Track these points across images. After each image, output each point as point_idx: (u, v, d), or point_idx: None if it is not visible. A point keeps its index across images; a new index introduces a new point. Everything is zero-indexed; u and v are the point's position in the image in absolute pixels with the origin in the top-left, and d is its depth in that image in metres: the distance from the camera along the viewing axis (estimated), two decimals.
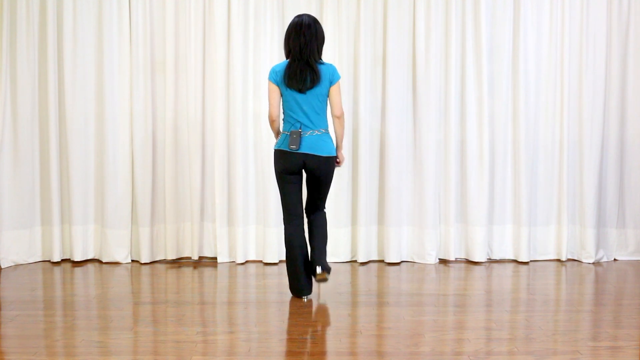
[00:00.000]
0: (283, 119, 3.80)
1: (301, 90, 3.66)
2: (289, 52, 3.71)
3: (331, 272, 4.17)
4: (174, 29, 4.65)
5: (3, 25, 4.54)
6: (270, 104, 3.74)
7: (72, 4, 4.60)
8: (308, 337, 3.20)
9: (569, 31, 4.69)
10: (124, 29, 4.64)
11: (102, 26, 4.63)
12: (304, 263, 3.79)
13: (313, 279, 3.85)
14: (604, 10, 4.71)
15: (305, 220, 3.88)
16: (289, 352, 2.97)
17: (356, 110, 4.68)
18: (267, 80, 4.52)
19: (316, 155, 3.68)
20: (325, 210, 3.90)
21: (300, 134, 3.66)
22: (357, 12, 4.65)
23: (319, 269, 3.72)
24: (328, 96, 3.74)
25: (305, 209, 3.88)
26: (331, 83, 3.70)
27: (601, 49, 4.72)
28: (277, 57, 4.62)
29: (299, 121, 3.69)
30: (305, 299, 3.81)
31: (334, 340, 3.14)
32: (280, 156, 3.73)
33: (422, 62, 4.66)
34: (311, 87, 3.66)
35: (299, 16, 3.72)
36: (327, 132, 3.77)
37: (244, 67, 4.64)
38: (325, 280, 3.77)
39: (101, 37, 4.64)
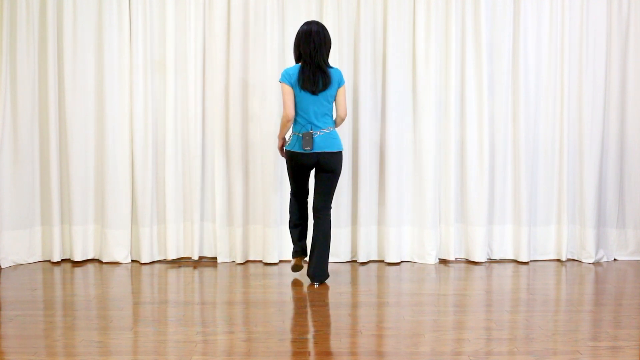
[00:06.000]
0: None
1: (314, 92, 3.91)
2: (299, 57, 3.95)
3: (331, 272, 4.24)
4: (174, 29, 4.65)
5: (3, 25, 4.54)
6: (286, 105, 3.94)
7: (72, 4, 4.60)
8: (308, 337, 3.20)
9: (569, 31, 4.69)
10: (124, 29, 4.64)
11: (102, 26, 4.62)
12: (299, 234, 4.24)
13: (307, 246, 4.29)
14: (604, 10, 4.71)
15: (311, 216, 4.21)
16: (289, 352, 2.97)
17: (356, 110, 4.68)
18: (267, 81, 4.60)
19: (328, 152, 3.96)
20: (331, 210, 4.12)
21: (312, 135, 3.90)
22: (357, 12, 4.65)
23: (316, 285, 4.07)
24: (334, 98, 4.00)
25: (313, 206, 4.10)
26: (339, 85, 3.98)
27: (601, 49, 4.72)
28: (277, 57, 4.62)
29: (310, 122, 3.93)
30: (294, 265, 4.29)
31: (334, 340, 3.14)
32: (294, 157, 4.00)
33: (422, 62, 4.66)
34: (323, 90, 3.91)
35: (307, 24, 3.97)
36: (334, 130, 4.02)
37: (243, 67, 4.64)
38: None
39: (101, 37, 4.64)
